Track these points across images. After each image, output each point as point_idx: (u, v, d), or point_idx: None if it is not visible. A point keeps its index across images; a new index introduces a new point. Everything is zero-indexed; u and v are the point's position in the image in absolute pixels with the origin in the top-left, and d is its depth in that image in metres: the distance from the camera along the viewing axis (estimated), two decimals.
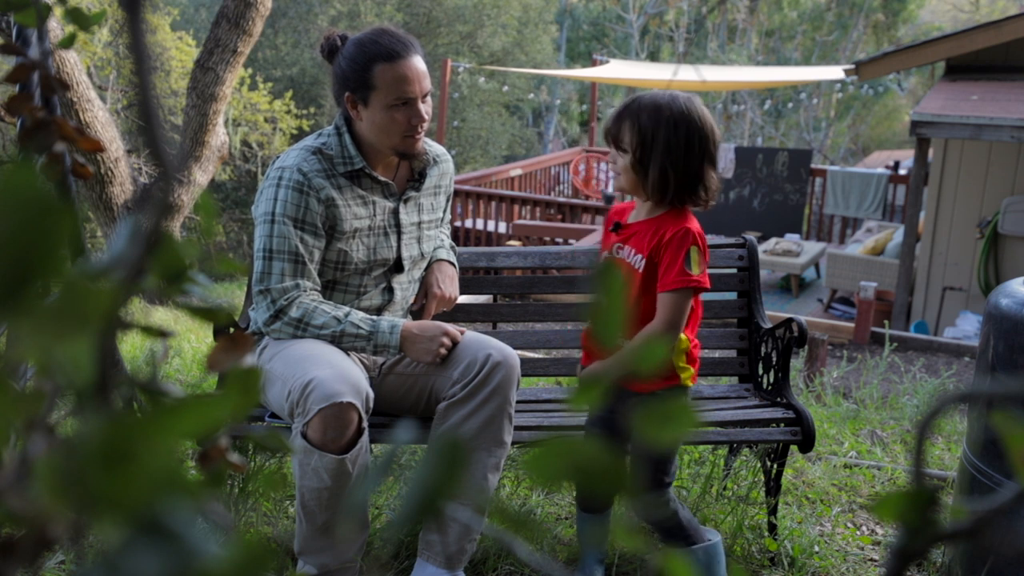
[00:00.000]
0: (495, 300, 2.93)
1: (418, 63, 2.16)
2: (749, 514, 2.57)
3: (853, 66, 8.59)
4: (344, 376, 1.97)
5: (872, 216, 9.95)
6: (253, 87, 13.03)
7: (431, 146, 2.37)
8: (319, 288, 2.21)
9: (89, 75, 7.30)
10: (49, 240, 0.36)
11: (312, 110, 14.93)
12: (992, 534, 0.40)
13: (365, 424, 2.00)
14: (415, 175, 2.34)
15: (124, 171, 6.42)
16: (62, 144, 0.75)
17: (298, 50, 16.23)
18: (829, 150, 19.50)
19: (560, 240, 7.92)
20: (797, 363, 5.49)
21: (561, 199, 9.37)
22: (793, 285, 8.96)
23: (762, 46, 20.26)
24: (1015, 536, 0.41)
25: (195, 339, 4.91)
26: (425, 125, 2.20)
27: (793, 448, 2.78)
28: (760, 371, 2.65)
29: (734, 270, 2.75)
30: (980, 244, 8.08)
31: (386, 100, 2.13)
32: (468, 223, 8.99)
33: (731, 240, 2.77)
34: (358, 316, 2.17)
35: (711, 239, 2.55)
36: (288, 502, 2.59)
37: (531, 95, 19.05)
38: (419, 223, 2.34)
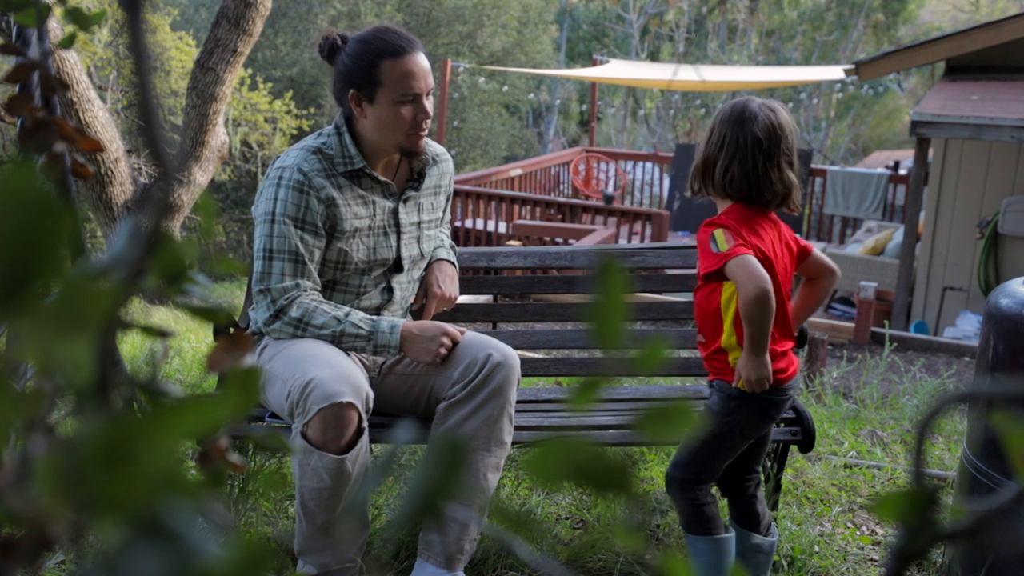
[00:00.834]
0: (495, 300, 2.93)
1: (423, 60, 2.17)
2: None
3: (853, 66, 8.59)
4: (344, 376, 1.97)
5: (872, 216, 9.95)
6: (253, 87, 13.03)
7: (431, 146, 2.37)
8: (319, 288, 2.21)
9: (89, 75, 7.30)
10: (49, 240, 0.36)
11: (312, 110, 14.92)
12: (992, 534, 0.40)
13: (365, 424, 2.00)
14: (415, 175, 2.34)
15: (124, 171, 6.42)
16: (62, 144, 0.75)
17: (298, 50, 16.22)
18: (829, 150, 19.49)
19: (560, 240, 7.92)
20: None
21: (561, 199, 9.37)
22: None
23: (762, 46, 20.26)
24: (1015, 536, 0.41)
25: (195, 339, 4.91)
26: (429, 122, 2.21)
27: (793, 448, 2.78)
28: None
29: None
30: (980, 244, 8.08)
31: (393, 96, 2.14)
32: (468, 223, 8.99)
33: None
34: (358, 316, 2.17)
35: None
36: (288, 502, 2.59)
37: (531, 95, 19.04)
38: (419, 223, 2.34)
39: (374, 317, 2.20)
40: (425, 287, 2.41)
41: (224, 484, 2.26)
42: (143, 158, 7.61)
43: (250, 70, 13.66)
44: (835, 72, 10.84)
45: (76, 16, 0.76)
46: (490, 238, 8.78)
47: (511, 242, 8.14)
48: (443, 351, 2.16)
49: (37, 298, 0.36)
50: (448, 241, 2.54)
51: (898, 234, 8.52)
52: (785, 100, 19.22)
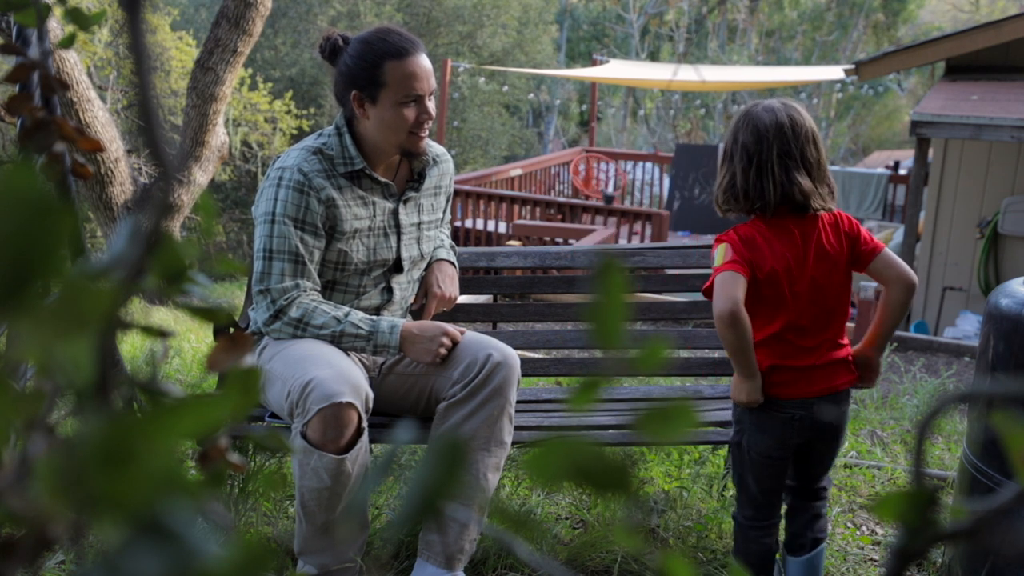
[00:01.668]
0: (495, 300, 2.93)
1: (425, 61, 2.18)
2: None
3: (853, 66, 8.58)
4: (344, 376, 1.97)
5: (872, 216, 9.95)
6: (253, 87, 13.03)
7: (431, 146, 2.37)
8: (319, 288, 2.21)
9: (89, 75, 7.30)
10: (49, 240, 0.36)
11: (312, 110, 14.93)
12: (992, 534, 0.40)
13: (365, 424, 2.00)
14: (415, 176, 2.34)
15: (124, 171, 6.42)
16: (62, 144, 0.75)
17: (298, 50, 16.22)
18: (829, 150, 19.48)
19: (560, 240, 7.92)
20: None
21: (561, 199, 9.37)
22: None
23: (762, 46, 20.26)
24: (1015, 536, 0.41)
25: (195, 339, 4.91)
26: (430, 123, 2.21)
27: None
28: None
29: None
30: (980, 244, 8.08)
31: (396, 97, 2.14)
32: (468, 223, 8.98)
33: None
34: (358, 316, 2.17)
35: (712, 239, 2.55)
36: (288, 502, 2.59)
37: (531, 95, 19.04)
38: (419, 223, 2.34)
39: (374, 317, 2.20)
40: (425, 287, 2.41)
41: (224, 484, 2.26)
42: (143, 158, 7.62)
43: (250, 70, 13.67)
44: (835, 72, 10.85)
45: (76, 16, 0.76)
46: (490, 238, 8.78)
47: (511, 242, 8.14)
48: (443, 351, 2.16)
49: (37, 298, 0.36)
50: (448, 241, 2.54)
51: (898, 234, 8.52)
52: None
